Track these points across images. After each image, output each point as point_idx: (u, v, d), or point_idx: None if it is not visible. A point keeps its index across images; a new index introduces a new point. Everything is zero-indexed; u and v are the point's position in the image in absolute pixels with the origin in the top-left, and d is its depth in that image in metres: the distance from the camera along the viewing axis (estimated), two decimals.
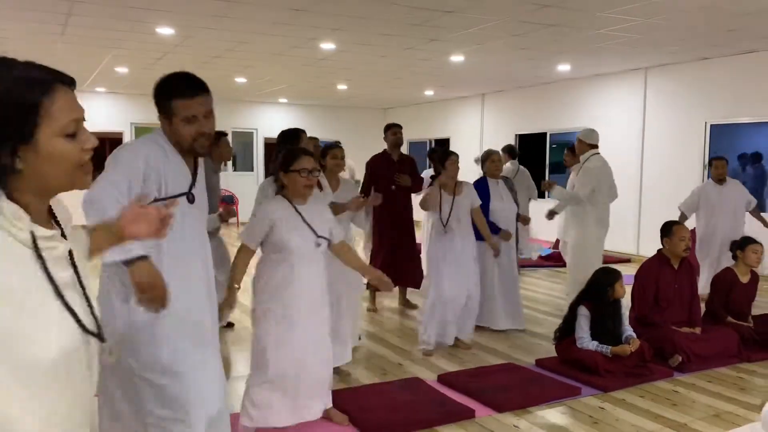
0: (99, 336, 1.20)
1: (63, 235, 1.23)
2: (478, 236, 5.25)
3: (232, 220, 6.32)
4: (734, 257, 5.34)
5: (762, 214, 7.14)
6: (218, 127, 4.09)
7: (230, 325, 5.67)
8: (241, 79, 11.65)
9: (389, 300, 6.78)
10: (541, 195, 9.36)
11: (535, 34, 7.53)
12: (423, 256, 7.73)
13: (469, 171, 8.40)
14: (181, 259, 2.37)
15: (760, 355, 4.89)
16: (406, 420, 3.60)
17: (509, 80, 11.65)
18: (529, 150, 12.14)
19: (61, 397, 1.14)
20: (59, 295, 1.13)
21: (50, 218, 1.24)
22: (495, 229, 5.47)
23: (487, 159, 5.74)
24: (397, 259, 6.21)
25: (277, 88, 12.86)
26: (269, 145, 15.34)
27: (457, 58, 9.26)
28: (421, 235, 8.34)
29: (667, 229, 4.93)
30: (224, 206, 4.57)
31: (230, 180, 14.16)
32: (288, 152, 3.28)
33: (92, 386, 1.26)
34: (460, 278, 5.04)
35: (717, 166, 6.92)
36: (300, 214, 3.23)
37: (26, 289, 1.09)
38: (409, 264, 6.36)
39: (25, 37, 8.00)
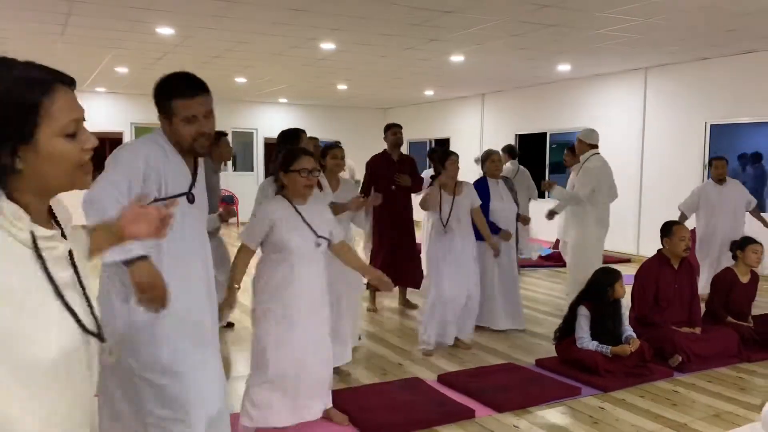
0: (99, 336, 1.20)
1: (63, 235, 1.23)
2: (478, 236, 5.25)
3: (232, 220, 6.32)
4: (734, 257, 5.34)
5: (762, 214, 7.14)
6: (218, 127, 4.09)
7: (230, 325, 5.68)
8: (241, 79, 11.65)
9: (389, 300, 6.77)
10: (541, 195, 9.36)
11: (535, 34, 7.53)
12: (423, 256, 7.74)
13: (469, 171, 8.40)
14: (181, 259, 2.37)
15: (760, 355, 4.89)
16: (406, 420, 3.60)
17: (509, 80, 11.65)
18: (529, 150, 12.14)
19: (61, 397, 1.14)
20: (59, 295, 1.13)
21: (50, 218, 1.24)
22: (495, 229, 5.47)
23: (487, 159, 5.74)
24: (397, 259, 6.21)
25: (277, 88, 12.86)
26: (269, 145, 15.34)
27: (456, 58, 9.26)
28: (421, 235, 8.34)
29: (667, 229, 4.93)
30: (224, 206, 4.57)
31: (230, 180, 14.16)
32: (288, 152, 3.28)
33: (92, 386, 1.26)
34: (460, 278, 5.04)
35: (717, 166, 6.92)
36: (300, 214, 3.23)
37: (26, 289, 1.09)
38: (409, 264, 6.36)
39: (25, 37, 8.00)
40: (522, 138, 12.72)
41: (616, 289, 4.53)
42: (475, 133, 13.89)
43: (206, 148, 2.40)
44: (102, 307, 1.36)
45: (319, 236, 3.24)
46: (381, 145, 6.42)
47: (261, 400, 3.24)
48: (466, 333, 5.21)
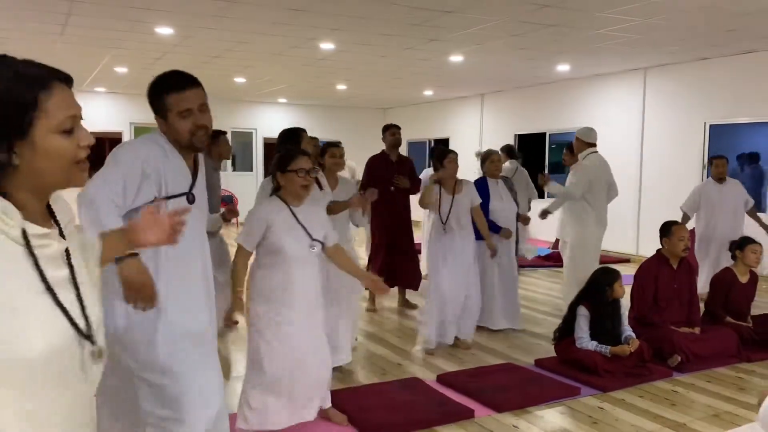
0: (89, 338, 1.18)
1: (62, 235, 1.23)
2: (478, 236, 5.25)
3: (235, 219, 6.30)
4: (733, 257, 5.34)
5: (759, 214, 7.15)
6: (217, 127, 4.07)
7: (234, 323, 5.62)
8: (240, 79, 11.65)
9: (388, 300, 6.77)
10: (541, 195, 9.36)
11: (535, 34, 7.54)
12: (423, 255, 7.74)
13: (468, 171, 8.40)
14: (180, 260, 2.36)
15: (760, 355, 4.89)
16: (405, 420, 3.60)
17: (509, 80, 11.65)
18: (529, 150, 12.14)
19: (52, 397, 1.13)
20: (51, 292, 1.13)
21: (48, 217, 1.23)
22: (495, 228, 5.47)
23: (487, 159, 5.74)
24: (395, 260, 6.22)
25: (277, 88, 12.86)
26: (268, 145, 15.35)
27: (456, 58, 9.26)
28: (422, 235, 8.34)
29: (666, 229, 4.94)
30: (227, 206, 4.56)
31: (230, 180, 14.16)
32: (285, 152, 3.28)
33: (91, 386, 1.25)
34: (459, 278, 5.04)
35: (717, 165, 6.93)
36: (295, 216, 3.22)
37: (15, 286, 1.08)
38: (408, 265, 6.37)
39: (25, 37, 8.00)
40: (521, 138, 12.72)
41: (615, 289, 4.53)
42: (475, 133, 13.89)
43: (205, 143, 2.38)
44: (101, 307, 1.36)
45: (313, 239, 3.24)
46: (380, 146, 6.42)
47: (257, 403, 3.24)
48: (466, 332, 5.21)
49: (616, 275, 4.58)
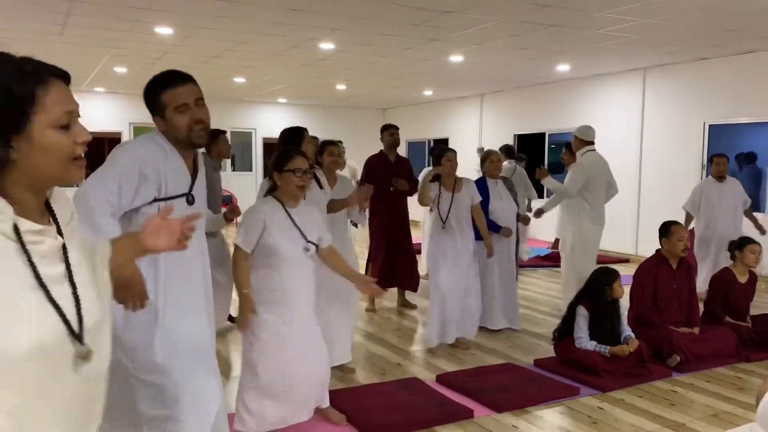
0: (78, 337, 1.18)
1: (60, 233, 1.23)
2: (478, 236, 5.24)
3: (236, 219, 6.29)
4: (732, 257, 5.35)
5: (756, 214, 7.17)
6: (217, 127, 4.06)
7: (231, 319, 5.57)
8: (240, 79, 11.65)
9: (388, 300, 6.77)
10: (541, 195, 9.35)
11: (535, 34, 7.54)
12: (423, 255, 7.75)
13: (468, 171, 8.40)
14: (180, 261, 2.36)
15: (759, 355, 4.90)
16: (404, 420, 3.60)
17: (508, 80, 11.65)
18: (528, 150, 12.12)
19: (39, 394, 1.12)
20: (44, 288, 1.13)
21: (46, 214, 1.24)
22: (495, 228, 5.47)
23: (486, 159, 5.74)
24: (394, 261, 6.23)
25: (277, 88, 12.86)
26: (268, 145, 15.36)
27: (456, 58, 9.26)
28: (421, 235, 8.34)
29: (666, 229, 4.94)
30: (228, 206, 4.56)
31: (229, 180, 14.15)
32: (282, 152, 3.27)
33: (89, 386, 1.24)
34: (459, 277, 5.04)
35: (718, 163, 6.95)
36: (291, 217, 3.21)
37: (4, 280, 1.08)
38: (408, 265, 6.37)
39: (25, 37, 7.99)
40: (521, 138, 12.72)
41: (615, 288, 4.53)
42: (474, 133, 13.89)
43: (204, 138, 2.37)
44: None
45: (308, 241, 3.24)
46: (380, 146, 6.43)
47: (254, 405, 3.23)
48: (467, 332, 5.19)
49: (615, 275, 4.59)
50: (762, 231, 6.78)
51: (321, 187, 4.30)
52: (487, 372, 4.49)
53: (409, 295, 6.69)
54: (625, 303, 4.77)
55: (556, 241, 9.12)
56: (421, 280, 6.53)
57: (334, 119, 16.12)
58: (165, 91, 2.32)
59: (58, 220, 1.25)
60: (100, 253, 1.43)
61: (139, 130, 13.81)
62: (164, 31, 7.54)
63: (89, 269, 1.30)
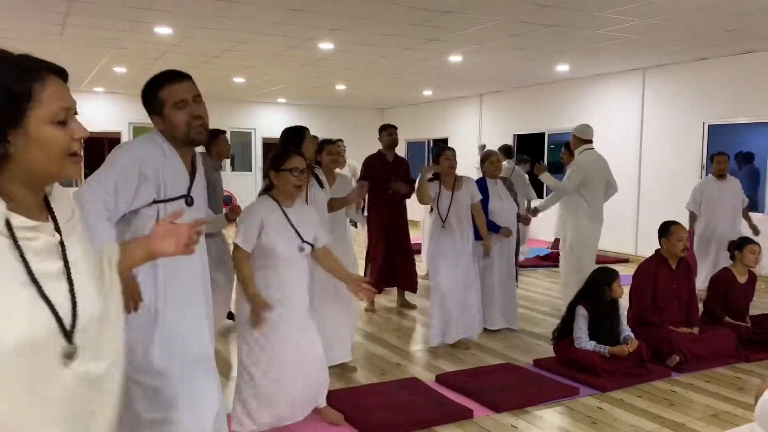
0: (68, 335, 1.17)
1: (57, 230, 1.23)
2: (478, 236, 5.24)
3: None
4: (732, 257, 5.35)
5: (754, 213, 7.19)
6: (217, 127, 4.04)
7: (231, 317, 5.54)
8: (239, 79, 11.64)
9: (387, 300, 6.77)
10: (540, 195, 9.35)
11: (534, 34, 7.54)
12: (423, 255, 7.75)
13: (468, 171, 8.39)
14: (178, 262, 2.35)
15: (758, 355, 4.90)
16: (404, 420, 3.60)
17: (507, 80, 11.65)
18: (528, 150, 12.12)
19: (29, 391, 1.12)
20: (36, 284, 1.12)
21: (44, 210, 1.24)
22: (494, 228, 5.47)
23: (486, 160, 5.74)
24: (393, 261, 6.23)
25: (276, 88, 12.85)
26: (267, 144, 15.35)
27: (455, 58, 9.26)
28: (421, 235, 8.34)
29: (665, 230, 4.94)
30: (229, 206, 4.56)
31: (228, 180, 14.11)
32: (280, 151, 3.27)
33: (86, 388, 1.23)
34: (459, 277, 5.03)
35: (719, 161, 6.97)
36: (287, 217, 3.21)
37: None
38: (407, 265, 6.38)
39: (24, 37, 7.99)
40: (520, 138, 12.72)
41: (614, 288, 4.53)
42: (474, 133, 13.89)
43: (203, 135, 2.37)
44: None
45: (304, 241, 3.23)
46: (379, 145, 6.43)
47: (250, 405, 3.23)
48: (470, 332, 5.16)
49: (614, 275, 4.59)
50: (756, 231, 6.80)
51: (322, 186, 4.31)
52: (487, 372, 4.49)
53: (409, 296, 6.69)
54: (624, 303, 4.77)
55: (556, 241, 9.12)
56: (420, 280, 6.53)
57: (333, 119, 16.12)
58: (163, 87, 2.32)
59: (57, 217, 1.25)
60: (108, 255, 1.44)
61: (138, 130, 13.80)
62: (164, 31, 7.54)
63: (91, 268, 1.30)
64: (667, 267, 4.93)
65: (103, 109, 13.68)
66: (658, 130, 9.90)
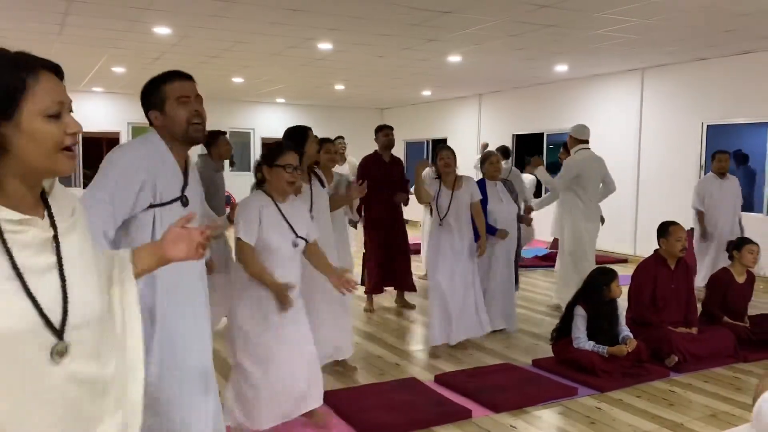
0: (58, 332, 1.17)
1: (53, 225, 1.23)
2: (477, 236, 5.24)
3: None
4: (731, 257, 5.35)
5: (749, 213, 7.21)
6: (215, 127, 4.03)
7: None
8: (238, 79, 11.64)
9: (386, 300, 6.78)
10: (539, 195, 9.35)
11: (533, 34, 7.54)
12: (422, 255, 7.74)
13: (468, 171, 8.39)
14: (178, 264, 2.34)
15: (756, 355, 4.90)
16: (403, 420, 3.60)
17: (506, 80, 11.65)
18: (527, 150, 12.14)
19: (18, 387, 1.11)
20: (19, 278, 1.12)
21: (40, 206, 1.24)
22: (491, 230, 5.46)
23: (485, 161, 5.74)
24: (392, 261, 6.24)
25: (275, 88, 12.85)
26: (267, 144, 15.31)
27: (454, 59, 9.26)
28: (420, 235, 8.34)
29: (664, 230, 4.94)
30: (229, 206, 4.55)
31: (227, 180, 14.10)
32: (274, 147, 3.26)
33: (85, 391, 1.22)
34: (458, 276, 5.03)
35: (720, 159, 6.99)
36: (281, 212, 3.21)
37: None
38: (405, 265, 6.39)
39: (23, 37, 7.98)
40: (519, 138, 12.72)
41: (612, 288, 4.54)
42: (472, 133, 13.89)
43: (201, 133, 2.36)
44: None
45: (298, 236, 3.23)
46: (376, 146, 6.44)
47: (243, 402, 3.22)
48: (472, 332, 5.12)
49: (613, 275, 4.59)
50: (741, 231, 6.85)
51: (323, 186, 4.31)
52: (486, 372, 4.50)
53: (408, 296, 6.69)
54: (623, 303, 4.77)
55: (555, 241, 9.12)
56: (420, 280, 6.53)
57: (332, 119, 16.11)
58: (167, 83, 2.32)
59: (55, 213, 1.25)
60: (120, 261, 1.44)
61: (137, 130, 13.79)
62: (162, 31, 7.54)
63: (91, 266, 1.29)
64: (665, 267, 4.93)
65: (102, 109, 13.66)
66: (656, 130, 9.90)
